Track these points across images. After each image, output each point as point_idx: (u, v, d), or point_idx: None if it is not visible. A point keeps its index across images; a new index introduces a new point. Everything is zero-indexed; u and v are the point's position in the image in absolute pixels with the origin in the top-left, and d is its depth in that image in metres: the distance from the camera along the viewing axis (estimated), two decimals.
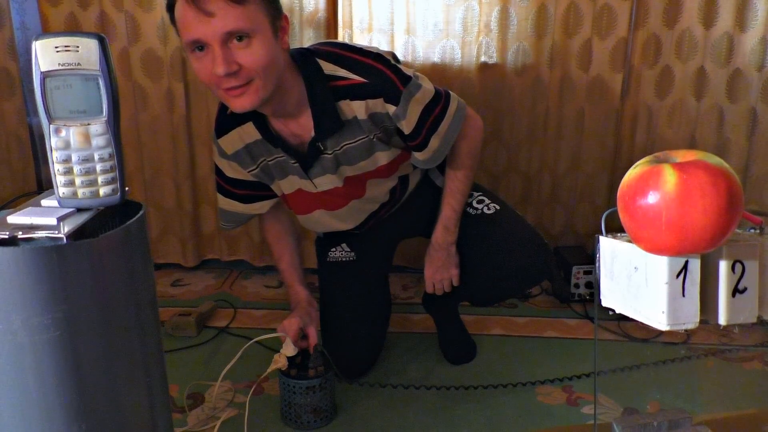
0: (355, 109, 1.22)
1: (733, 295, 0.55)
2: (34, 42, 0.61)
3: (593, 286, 1.89)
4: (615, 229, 0.61)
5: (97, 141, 0.65)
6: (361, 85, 1.20)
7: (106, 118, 0.64)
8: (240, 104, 1.12)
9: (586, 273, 1.89)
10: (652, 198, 0.52)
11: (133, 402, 0.68)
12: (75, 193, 0.66)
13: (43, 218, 0.62)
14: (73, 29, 1.92)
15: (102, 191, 0.66)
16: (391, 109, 1.22)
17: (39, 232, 0.60)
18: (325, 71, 1.21)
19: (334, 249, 1.54)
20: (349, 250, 1.53)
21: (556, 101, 1.99)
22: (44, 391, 0.60)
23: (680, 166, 0.52)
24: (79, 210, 0.66)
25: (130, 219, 0.66)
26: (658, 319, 0.55)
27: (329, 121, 1.22)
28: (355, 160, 1.30)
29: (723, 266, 0.55)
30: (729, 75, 1.91)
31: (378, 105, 1.22)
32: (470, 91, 1.95)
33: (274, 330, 1.35)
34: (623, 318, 1.49)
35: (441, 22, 1.92)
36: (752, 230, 0.59)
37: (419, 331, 1.75)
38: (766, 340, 1.66)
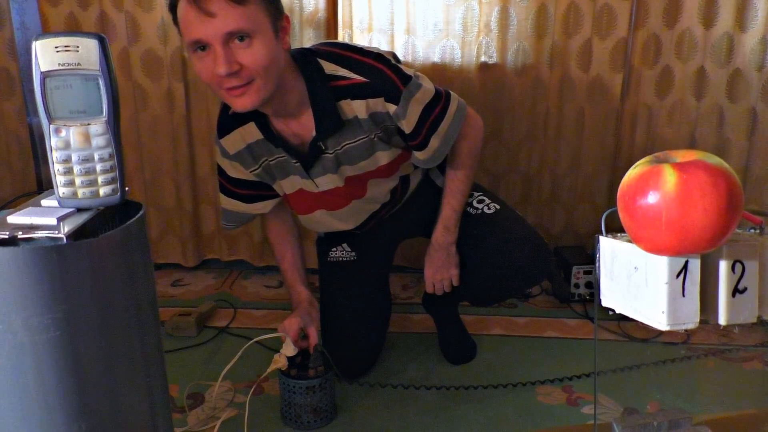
0: (356, 108, 1.23)
1: (733, 295, 0.55)
2: (34, 42, 0.61)
3: (593, 286, 1.89)
4: (615, 229, 0.61)
5: (97, 141, 0.65)
6: (362, 85, 1.21)
7: (106, 118, 0.64)
8: (241, 104, 1.13)
9: (586, 273, 1.89)
10: (652, 198, 0.52)
11: (133, 402, 0.68)
12: (75, 193, 0.66)
13: (43, 218, 0.62)
14: (73, 29, 1.92)
15: (102, 191, 0.66)
16: (392, 108, 1.22)
17: (39, 232, 0.60)
18: (325, 71, 1.21)
19: (334, 249, 1.54)
20: (349, 250, 1.53)
21: (556, 101, 1.99)
22: (44, 391, 0.60)
23: (680, 166, 0.52)
24: (79, 210, 0.66)
25: (130, 219, 0.66)
26: (658, 319, 0.55)
27: (330, 121, 1.23)
28: (356, 159, 1.30)
29: (723, 266, 0.55)
30: (729, 75, 1.91)
31: (378, 104, 1.22)
32: (470, 91, 1.95)
33: (274, 330, 1.35)
34: (623, 318, 1.49)
35: (441, 22, 1.92)
36: (752, 230, 0.59)
37: (419, 331, 1.75)
38: (766, 340, 1.66)
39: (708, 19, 1.87)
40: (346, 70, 1.21)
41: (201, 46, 1.07)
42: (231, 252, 2.17)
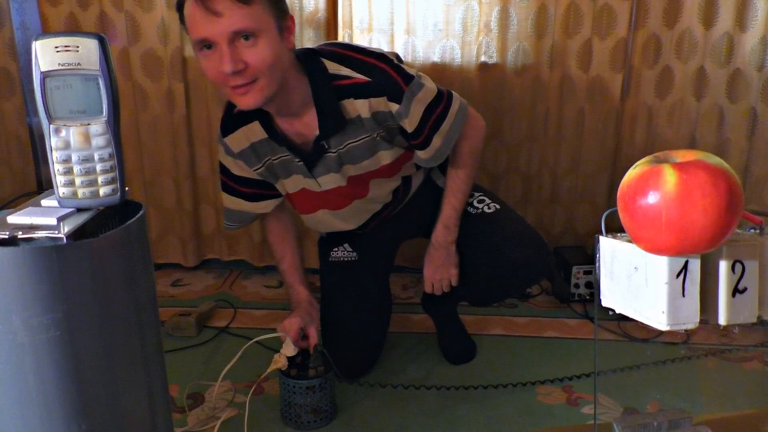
0: (359, 107, 1.23)
1: (733, 295, 0.55)
2: (34, 42, 0.61)
3: (593, 286, 1.89)
4: (615, 229, 0.61)
5: (97, 141, 0.65)
6: (365, 84, 1.22)
7: (106, 118, 0.64)
8: (245, 102, 1.15)
9: (586, 273, 1.89)
10: (652, 198, 0.52)
11: (133, 402, 0.68)
12: (75, 193, 0.66)
13: (43, 218, 0.62)
14: (73, 29, 1.92)
15: (102, 191, 0.66)
16: (394, 107, 1.23)
17: (39, 232, 0.60)
18: (329, 70, 1.23)
19: (336, 249, 1.54)
20: (351, 250, 1.54)
21: (556, 101, 1.99)
22: (44, 391, 0.60)
23: (680, 166, 0.52)
24: (79, 210, 0.66)
25: (130, 219, 0.66)
26: (658, 319, 0.55)
27: (333, 120, 1.24)
28: (359, 159, 1.31)
29: (723, 266, 0.55)
30: (729, 75, 1.91)
31: (381, 104, 1.23)
32: (470, 91, 1.95)
33: (274, 330, 1.35)
34: (623, 318, 1.49)
35: (441, 22, 1.92)
36: (752, 230, 0.59)
37: (419, 331, 1.75)
38: (766, 340, 1.66)
39: (708, 19, 1.87)
40: (349, 70, 1.23)
41: (207, 44, 1.09)
42: (231, 252, 2.17)
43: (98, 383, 0.63)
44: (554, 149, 2.04)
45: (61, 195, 0.66)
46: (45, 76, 0.62)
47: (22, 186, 2.05)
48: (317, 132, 1.26)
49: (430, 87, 1.28)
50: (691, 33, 1.89)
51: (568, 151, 2.04)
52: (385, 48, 1.93)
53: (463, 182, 1.41)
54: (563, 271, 1.94)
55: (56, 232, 0.60)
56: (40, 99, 0.62)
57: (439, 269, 1.45)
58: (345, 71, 1.23)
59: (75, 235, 0.61)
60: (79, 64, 0.62)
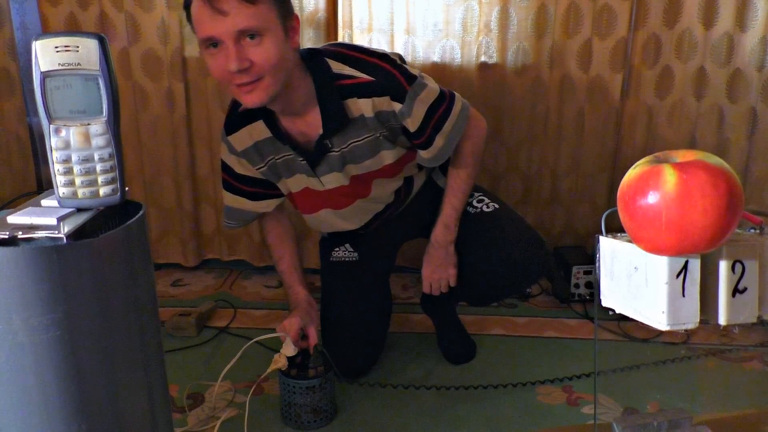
0: (362, 107, 1.24)
1: (733, 295, 0.55)
2: (34, 42, 0.61)
3: (593, 286, 1.89)
4: (615, 229, 0.61)
5: (97, 141, 0.65)
6: (368, 84, 1.23)
7: (106, 118, 0.64)
8: (250, 100, 1.16)
9: (586, 273, 1.89)
10: (652, 198, 0.52)
11: (133, 402, 0.68)
12: (75, 193, 0.66)
13: (43, 218, 0.62)
14: (73, 29, 1.92)
15: (102, 191, 0.66)
16: (397, 107, 1.24)
17: (39, 232, 0.60)
18: (333, 70, 1.24)
19: (337, 249, 1.55)
20: (352, 250, 1.54)
21: (556, 101, 1.99)
22: (44, 391, 0.60)
23: (680, 166, 0.52)
24: (79, 210, 0.66)
25: (130, 219, 0.66)
26: (658, 319, 0.55)
27: (336, 119, 1.25)
28: (361, 158, 1.31)
29: (723, 266, 0.55)
30: (729, 75, 1.91)
31: (384, 103, 1.24)
32: (470, 91, 1.95)
33: (274, 330, 1.35)
34: (623, 318, 1.49)
35: (441, 22, 1.92)
36: (752, 230, 0.59)
37: (419, 331, 1.75)
38: (766, 340, 1.66)
39: (708, 19, 1.87)
40: (352, 69, 1.24)
41: (213, 43, 1.11)
42: (231, 252, 2.17)
43: (98, 383, 0.63)
44: (554, 149, 2.04)
45: (61, 195, 0.66)
46: (45, 76, 0.62)
47: (22, 186, 2.05)
48: (321, 131, 1.26)
49: (433, 87, 1.29)
50: (691, 33, 1.89)
51: (568, 151, 2.04)
52: (386, 48, 1.93)
53: (464, 182, 1.41)
54: (563, 271, 1.94)
55: (56, 232, 0.60)
56: (40, 99, 0.62)
57: (438, 269, 1.45)
58: (348, 71, 1.24)
59: (75, 235, 0.61)
60: (79, 64, 0.62)
